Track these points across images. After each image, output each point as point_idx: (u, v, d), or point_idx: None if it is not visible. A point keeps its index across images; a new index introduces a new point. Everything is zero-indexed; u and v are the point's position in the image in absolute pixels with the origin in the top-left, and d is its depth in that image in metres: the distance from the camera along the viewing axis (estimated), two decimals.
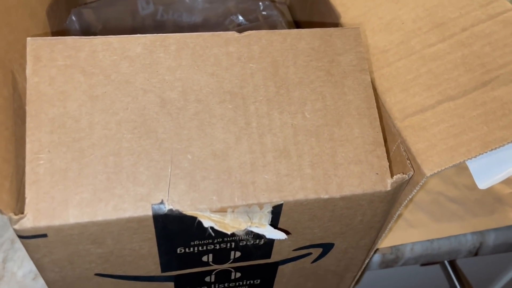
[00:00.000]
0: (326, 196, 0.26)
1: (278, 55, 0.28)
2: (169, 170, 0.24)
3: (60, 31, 0.36)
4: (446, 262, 0.51)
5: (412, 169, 0.27)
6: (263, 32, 0.28)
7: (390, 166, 0.27)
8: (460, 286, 0.51)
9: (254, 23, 0.41)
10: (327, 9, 0.39)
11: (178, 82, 0.26)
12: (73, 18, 0.38)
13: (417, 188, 0.27)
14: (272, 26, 0.41)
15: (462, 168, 0.46)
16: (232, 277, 0.32)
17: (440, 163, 0.26)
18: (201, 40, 0.27)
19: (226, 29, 0.42)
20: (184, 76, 0.26)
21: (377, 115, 0.28)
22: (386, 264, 0.42)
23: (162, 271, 0.29)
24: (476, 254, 0.44)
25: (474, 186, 0.44)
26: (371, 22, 0.34)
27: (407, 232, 0.41)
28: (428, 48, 0.31)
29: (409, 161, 0.27)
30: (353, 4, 0.36)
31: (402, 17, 0.34)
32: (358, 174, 0.26)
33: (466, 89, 0.29)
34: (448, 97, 0.29)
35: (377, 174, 0.26)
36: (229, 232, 0.24)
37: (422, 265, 0.52)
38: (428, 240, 0.42)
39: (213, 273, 0.31)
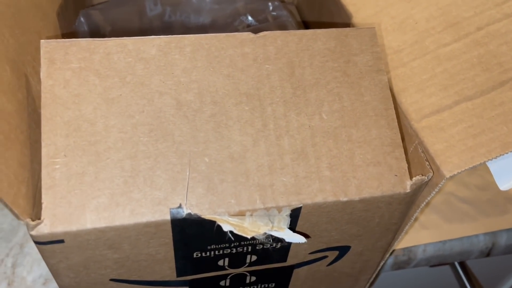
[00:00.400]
0: (345, 199, 0.25)
1: (294, 56, 0.27)
2: (187, 173, 0.24)
3: (69, 33, 0.36)
4: (455, 262, 0.51)
5: (431, 171, 0.26)
6: (278, 32, 0.27)
7: (408, 168, 0.27)
8: (470, 286, 0.51)
9: (264, 24, 0.41)
10: (337, 9, 0.39)
11: (193, 84, 0.26)
12: (82, 19, 0.37)
13: (436, 190, 0.27)
14: (282, 26, 0.41)
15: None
16: (247, 281, 0.31)
17: (459, 164, 0.26)
18: (216, 41, 0.27)
19: (236, 29, 0.42)
20: (199, 78, 0.26)
21: (394, 116, 0.27)
22: (398, 265, 0.42)
23: (178, 275, 0.28)
24: (488, 254, 0.43)
25: (485, 186, 0.44)
26: (383, 22, 0.34)
27: (419, 233, 0.41)
28: (443, 48, 0.31)
29: (427, 163, 0.27)
30: (365, 4, 0.36)
31: (415, 17, 0.33)
32: (377, 176, 0.26)
33: (484, 89, 0.28)
34: (465, 97, 0.28)
35: (396, 176, 0.26)
36: (249, 236, 0.24)
37: (432, 266, 0.52)
38: (440, 241, 0.41)
39: (228, 277, 0.30)
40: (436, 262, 0.43)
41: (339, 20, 0.39)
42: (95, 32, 0.38)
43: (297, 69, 0.27)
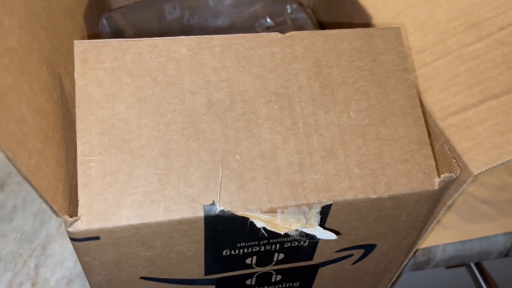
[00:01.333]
0: (374, 196, 0.26)
1: (321, 55, 0.28)
2: (219, 170, 0.24)
3: (93, 35, 0.36)
4: (471, 263, 0.51)
5: (458, 168, 0.27)
6: (305, 32, 0.28)
7: (436, 165, 0.27)
8: (487, 287, 0.51)
9: (283, 26, 0.41)
10: (356, 10, 0.39)
11: (224, 83, 0.26)
12: (104, 22, 0.38)
13: (463, 187, 0.27)
14: (301, 28, 0.41)
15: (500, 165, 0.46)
16: (273, 279, 0.31)
17: (487, 162, 0.26)
18: (245, 41, 0.27)
19: (256, 31, 0.42)
20: (229, 77, 0.26)
21: (421, 114, 0.28)
22: (418, 266, 0.42)
23: (205, 274, 0.28)
24: (507, 255, 0.43)
25: (503, 187, 0.44)
26: (404, 23, 0.34)
27: (439, 234, 0.41)
28: (466, 48, 0.31)
29: (455, 160, 0.27)
30: (384, 5, 0.37)
31: (436, 18, 0.34)
32: (406, 174, 0.26)
33: (509, 87, 0.28)
34: (490, 95, 0.29)
35: (424, 173, 0.26)
36: (282, 233, 0.24)
37: (448, 267, 0.52)
38: (460, 241, 0.42)
39: (255, 276, 0.30)
40: (456, 262, 0.43)
41: (358, 21, 0.39)
42: (118, 35, 0.39)
43: (325, 68, 0.27)
